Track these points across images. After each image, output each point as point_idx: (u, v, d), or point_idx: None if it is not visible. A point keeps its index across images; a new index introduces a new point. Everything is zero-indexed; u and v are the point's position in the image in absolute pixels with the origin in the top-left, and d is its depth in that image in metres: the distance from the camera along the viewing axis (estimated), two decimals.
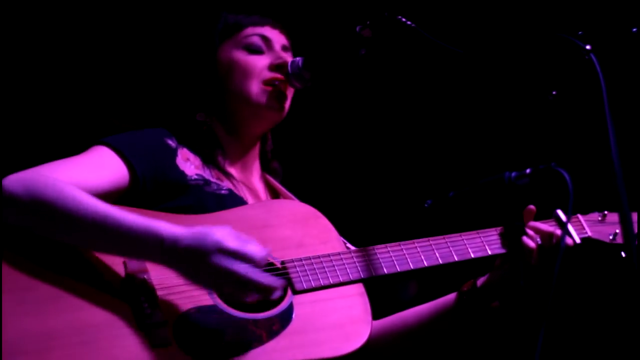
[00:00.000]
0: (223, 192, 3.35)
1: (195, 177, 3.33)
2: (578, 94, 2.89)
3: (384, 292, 4.45)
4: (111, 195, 3.16)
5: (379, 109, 5.36)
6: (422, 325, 3.44)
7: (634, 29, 2.93)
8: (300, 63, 3.47)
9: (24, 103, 4.72)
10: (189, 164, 3.35)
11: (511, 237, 2.70)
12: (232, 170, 3.50)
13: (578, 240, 3.32)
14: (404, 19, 3.22)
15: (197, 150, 3.44)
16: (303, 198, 3.59)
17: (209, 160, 3.44)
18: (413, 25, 3.21)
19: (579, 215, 3.45)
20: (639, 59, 4.71)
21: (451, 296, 3.41)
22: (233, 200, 3.34)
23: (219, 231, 2.90)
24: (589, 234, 3.42)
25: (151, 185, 3.24)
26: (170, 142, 3.37)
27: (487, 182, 2.76)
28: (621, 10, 4.76)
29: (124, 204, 3.14)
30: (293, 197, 3.60)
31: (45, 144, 4.71)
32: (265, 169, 3.67)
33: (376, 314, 3.48)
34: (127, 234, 2.93)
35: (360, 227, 4.95)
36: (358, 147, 5.40)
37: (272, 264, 3.15)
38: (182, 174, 3.31)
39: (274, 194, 3.63)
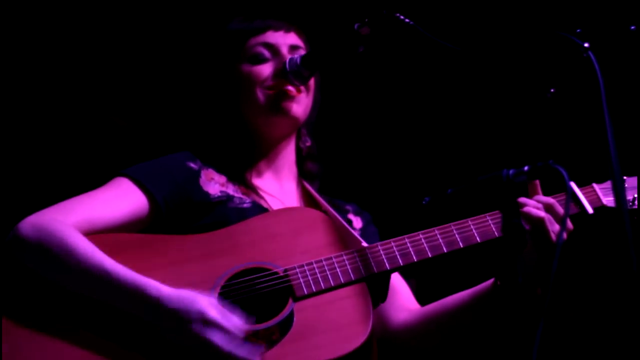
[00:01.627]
0: (246, 205, 3.37)
1: (219, 194, 3.37)
2: (576, 92, 2.89)
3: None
4: (134, 226, 3.25)
5: (378, 106, 5.37)
6: (461, 310, 3.41)
7: (632, 27, 2.93)
8: (298, 60, 3.48)
9: (34, 107, 4.74)
10: (213, 183, 3.39)
11: (508, 234, 2.69)
12: (261, 182, 3.53)
13: (590, 211, 3.23)
14: (402, 17, 3.22)
15: (222, 169, 3.47)
16: (339, 197, 3.61)
17: (234, 177, 3.47)
18: (411, 23, 3.21)
19: (594, 184, 3.39)
20: (637, 57, 4.72)
21: (489, 282, 3.36)
22: (256, 213, 3.35)
23: (203, 300, 2.99)
24: (603, 202, 3.36)
25: (175, 209, 3.30)
26: (192, 164, 3.41)
27: (484, 179, 2.75)
28: (620, 8, 4.77)
29: (152, 231, 3.26)
30: (325, 203, 3.59)
31: (73, 167, 4.73)
32: (301, 173, 3.69)
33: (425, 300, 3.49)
34: (117, 289, 3.02)
35: None
36: (356, 145, 5.40)
37: (275, 273, 3.16)
38: (206, 194, 3.35)
39: (310, 201, 3.64)
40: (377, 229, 3.64)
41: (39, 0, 4.70)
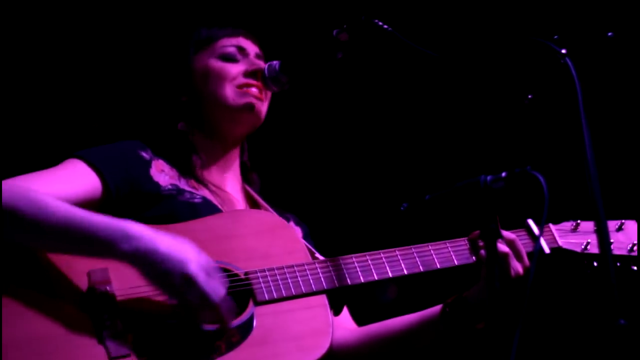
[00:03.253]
0: (196, 200, 3.35)
1: (170, 187, 3.34)
2: (553, 98, 2.90)
3: (367, 298, 4.46)
4: (85, 206, 3.15)
5: (356, 112, 5.37)
6: (406, 334, 3.42)
7: (610, 34, 2.94)
8: (277, 66, 3.48)
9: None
10: (164, 175, 3.37)
11: (486, 240, 2.70)
12: (210, 179, 3.51)
13: (547, 251, 3.34)
14: (380, 23, 3.22)
15: (173, 161, 3.45)
16: (281, 205, 3.60)
17: (185, 171, 3.45)
18: (390, 29, 3.21)
19: (551, 225, 3.46)
20: (614, 63, 4.74)
21: (437, 308, 3.38)
22: (207, 208, 3.34)
23: (193, 247, 2.98)
24: (560, 244, 3.43)
25: (124, 197, 3.27)
26: (144, 154, 3.39)
27: (463, 186, 2.76)
28: (597, 14, 4.79)
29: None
30: (269, 208, 3.59)
31: (23, 148, 4.69)
32: (245, 180, 3.67)
33: (361, 321, 3.49)
34: (93, 231, 2.96)
35: (337, 232, 4.96)
36: (334, 152, 5.40)
37: (235, 274, 3.14)
38: (156, 184, 3.33)
39: (253, 205, 3.62)
40: (313, 242, 3.63)
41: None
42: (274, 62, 3.50)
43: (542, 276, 3.12)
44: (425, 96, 5.32)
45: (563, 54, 2.78)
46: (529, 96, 3.03)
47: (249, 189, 3.65)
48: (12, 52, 4.68)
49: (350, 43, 3.29)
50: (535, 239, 3.31)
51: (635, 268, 3.40)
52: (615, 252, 3.40)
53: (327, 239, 3.64)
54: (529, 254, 3.28)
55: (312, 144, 5.33)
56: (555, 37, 2.83)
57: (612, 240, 3.41)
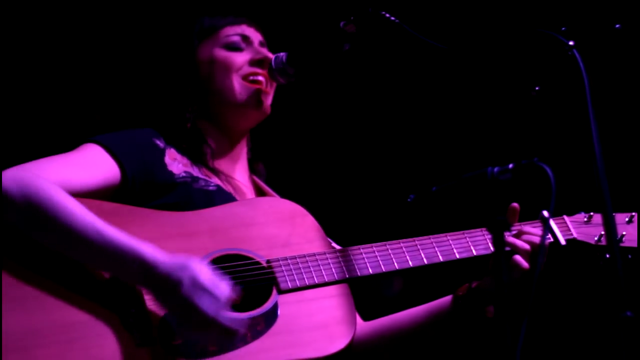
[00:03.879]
0: (211, 188, 3.35)
1: (183, 174, 3.33)
2: (561, 90, 2.90)
3: (372, 291, 4.46)
4: (101, 193, 3.18)
5: (363, 104, 5.37)
6: (416, 327, 3.42)
7: (617, 25, 2.94)
8: (284, 58, 3.47)
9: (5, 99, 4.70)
10: (177, 163, 3.35)
11: (494, 231, 2.70)
12: (220, 168, 3.50)
13: (563, 242, 3.33)
14: (387, 15, 3.22)
15: (184, 150, 3.44)
16: (288, 196, 3.60)
17: (196, 159, 3.44)
18: (397, 21, 3.21)
19: (565, 217, 3.46)
20: (621, 55, 4.73)
21: (447, 299, 3.39)
22: (221, 196, 3.34)
23: (197, 263, 2.94)
24: (575, 235, 3.43)
25: (140, 184, 3.25)
26: (158, 142, 3.38)
27: (470, 177, 2.76)
28: (604, 6, 4.78)
29: (114, 201, 3.17)
30: (278, 196, 3.59)
31: (28, 139, 4.70)
32: (252, 170, 3.67)
33: (368, 315, 3.49)
34: (109, 251, 2.94)
35: (345, 223, 4.96)
36: (342, 143, 5.40)
37: (257, 262, 3.15)
38: (170, 173, 3.32)
39: (261, 194, 3.62)
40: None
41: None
42: (281, 53, 3.50)
43: (555, 268, 3.13)
44: (433, 88, 5.32)
45: (571, 45, 2.78)
46: (537, 88, 3.03)
47: (256, 179, 3.65)
48: (19, 43, 4.69)
49: (357, 35, 3.29)
50: (552, 232, 3.30)
51: None
52: (626, 244, 3.40)
53: (335, 229, 3.64)
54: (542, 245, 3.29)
55: (320, 135, 5.33)
56: (563, 28, 2.82)
57: (623, 232, 3.41)
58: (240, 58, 3.54)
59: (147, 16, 4.87)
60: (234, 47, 3.55)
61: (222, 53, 3.54)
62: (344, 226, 4.14)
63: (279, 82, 3.52)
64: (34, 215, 2.94)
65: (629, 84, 4.99)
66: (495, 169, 2.72)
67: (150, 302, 2.98)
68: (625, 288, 2.53)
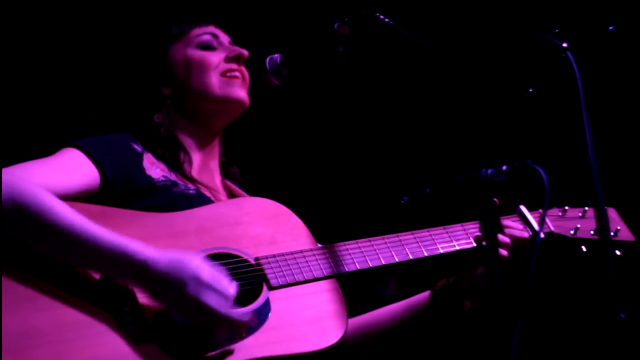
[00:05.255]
0: (191, 192, 3.36)
1: (162, 179, 3.34)
2: (555, 92, 2.90)
3: (361, 290, 4.47)
4: (82, 197, 3.17)
5: (357, 106, 5.37)
6: (397, 322, 3.46)
7: (611, 27, 2.94)
8: (278, 60, 3.47)
9: None
10: (155, 167, 3.36)
11: (487, 233, 2.70)
12: (196, 174, 3.50)
13: (542, 235, 3.38)
14: (381, 16, 3.23)
15: (160, 156, 3.44)
16: (278, 199, 3.60)
17: (172, 166, 3.44)
18: (391, 22, 3.22)
19: (541, 211, 3.48)
20: (615, 57, 4.74)
21: (425, 294, 3.44)
22: (201, 200, 3.35)
23: (195, 260, 2.94)
24: (552, 228, 3.47)
25: (120, 188, 3.25)
26: (135, 146, 3.38)
27: (463, 179, 2.77)
28: (598, 8, 4.79)
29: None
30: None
31: (16, 140, 4.70)
32: (225, 174, 3.68)
33: (352, 312, 3.50)
34: (100, 251, 2.94)
35: (337, 225, 4.97)
36: (337, 145, 5.40)
37: (246, 260, 3.16)
38: (149, 177, 3.32)
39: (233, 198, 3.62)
40: None
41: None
42: (275, 55, 3.50)
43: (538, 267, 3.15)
44: (426, 89, 5.33)
45: (564, 47, 2.79)
46: (530, 90, 3.03)
47: (229, 183, 3.65)
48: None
49: (351, 36, 3.30)
50: (528, 224, 3.36)
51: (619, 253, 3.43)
52: (620, 238, 3.45)
53: (328, 231, 3.64)
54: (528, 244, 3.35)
55: (314, 137, 5.34)
56: (557, 30, 2.83)
57: (618, 227, 3.49)
58: (216, 56, 3.56)
59: (118, 22, 4.87)
60: (207, 47, 3.58)
61: (197, 53, 3.56)
62: (336, 228, 4.15)
63: (274, 84, 3.52)
64: (21, 217, 2.93)
65: (622, 86, 5.00)
66: (489, 171, 2.73)
67: (143, 299, 2.97)
68: (615, 286, 2.54)
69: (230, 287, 2.94)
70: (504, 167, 2.73)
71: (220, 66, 3.55)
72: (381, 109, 5.40)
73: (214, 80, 3.52)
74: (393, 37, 3.20)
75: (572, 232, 3.46)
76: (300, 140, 5.30)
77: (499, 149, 5.20)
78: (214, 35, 3.61)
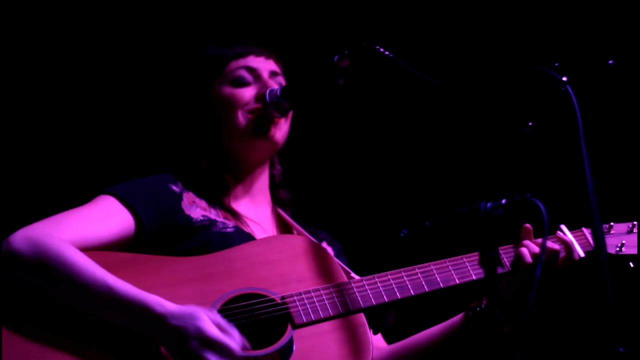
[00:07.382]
0: (229, 230, 3.37)
1: (201, 218, 3.36)
2: (554, 126, 2.90)
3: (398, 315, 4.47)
4: (119, 245, 3.23)
5: (357, 139, 5.37)
6: (433, 345, 3.46)
7: (610, 61, 2.95)
8: (278, 92, 3.48)
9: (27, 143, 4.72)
10: (195, 207, 3.38)
11: (486, 267, 2.70)
12: (239, 208, 3.52)
13: (582, 254, 3.38)
14: (382, 49, 3.23)
15: (201, 192, 3.46)
16: (310, 224, 3.62)
17: (213, 201, 3.46)
18: (391, 55, 3.22)
19: (584, 229, 3.48)
20: (615, 91, 4.74)
21: (459, 317, 3.44)
22: (240, 237, 3.37)
23: (204, 316, 2.98)
24: (592, 246, 3.43)
25: (158, 231, 3.29)
26: (174, 187, 3.40)
27: (462, 212, 2.76)
28: (598, 42, 4.80)
29: (134, 251, 3.23)
30: (302, 230, 3.62)
31: (50, 184, 4.70)
32: (275, 201, 3.68)
33: (391, 338, 3.52)
34: (119, 304, 3.00)
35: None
36: (335, 178, 5.39)
37: (272, 299, 3.17)
38: (188, 217, 3.34)
39: (285, 227, 3.64)
40: (347, 260, 3.65)
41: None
42: (275, 87, 3.50)
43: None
44: (426, 123, 5.33)
45: (564, 81, 2.79)
46: (530, 123, 3.04)
47: (280, 211, 3.66)
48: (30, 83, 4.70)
49: (351, 69, 3.30)
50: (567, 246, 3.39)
51: None
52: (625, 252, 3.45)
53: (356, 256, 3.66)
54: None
55: (311, 169, 5.33)
56: (556, 64, 2.84)
57: (623, 241, 3.46)
58: (247, 94, 3.54)
59: (157, 54, 4.88)
60: (240, 83, 3.55)
61: (228, 90, 3.55)
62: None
63: (274, 116, 3.52)
64: (43, 272, 3.01)
65: (622, 120, 5.00)
66: (488, 205, 2.72)
67: (165, 352, 3.01)
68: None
69: (235, 342, 2.97)
70: (503, 201, 2.73)
71: (249, 104, 3.53)
72: (381, 142, 5.40)
73: (241, 119, 3.51)
74: (393, 70, 3.20)
75: (617, 248, 3.44)
76: (298, 172, 5.29)
77: (498, 182, 5.19)
78: (249, 69, 3.57)
